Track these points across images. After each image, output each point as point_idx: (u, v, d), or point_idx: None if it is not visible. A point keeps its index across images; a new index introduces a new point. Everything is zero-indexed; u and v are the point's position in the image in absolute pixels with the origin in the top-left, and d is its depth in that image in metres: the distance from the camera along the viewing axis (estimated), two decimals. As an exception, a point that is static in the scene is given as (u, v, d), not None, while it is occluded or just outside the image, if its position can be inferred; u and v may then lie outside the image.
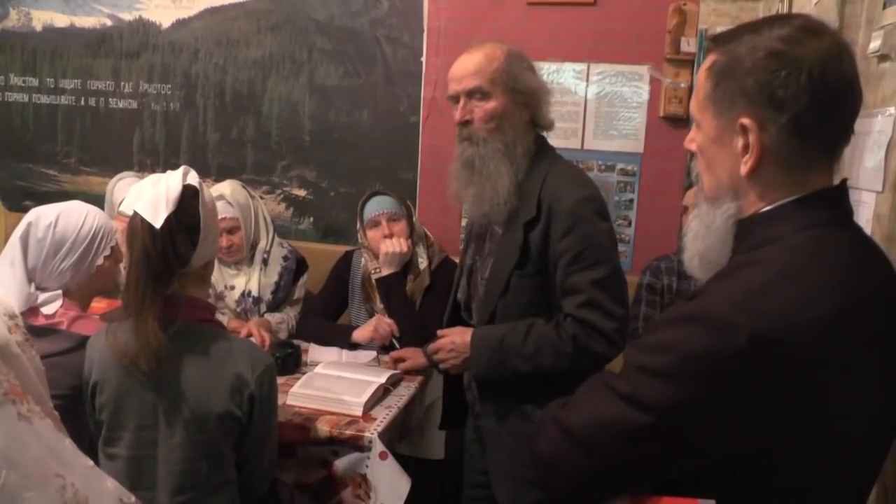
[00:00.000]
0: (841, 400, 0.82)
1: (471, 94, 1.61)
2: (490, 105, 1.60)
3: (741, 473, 0.84)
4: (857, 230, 0.91)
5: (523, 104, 1.63)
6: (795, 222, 0.87)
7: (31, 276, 1.60)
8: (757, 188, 0.89)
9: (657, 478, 0.90)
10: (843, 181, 0.90)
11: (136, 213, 1.37)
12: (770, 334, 0.78)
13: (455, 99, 1.64)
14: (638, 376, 0.86)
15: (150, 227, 1.35)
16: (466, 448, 1.94)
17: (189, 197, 1.40)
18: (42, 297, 1.60)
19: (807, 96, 0.83)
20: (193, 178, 1.44)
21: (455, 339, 1.68)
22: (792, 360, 0.79)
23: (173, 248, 1.38)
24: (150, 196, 1.37)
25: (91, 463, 0.99)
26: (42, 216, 1.61)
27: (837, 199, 0.89)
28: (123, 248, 1.48)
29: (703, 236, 0.96)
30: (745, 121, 0.86)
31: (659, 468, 0.88)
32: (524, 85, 1.62)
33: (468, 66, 1.61)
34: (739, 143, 0.88)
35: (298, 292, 2.48)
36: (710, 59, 0.92)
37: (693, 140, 0.97)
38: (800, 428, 0.81)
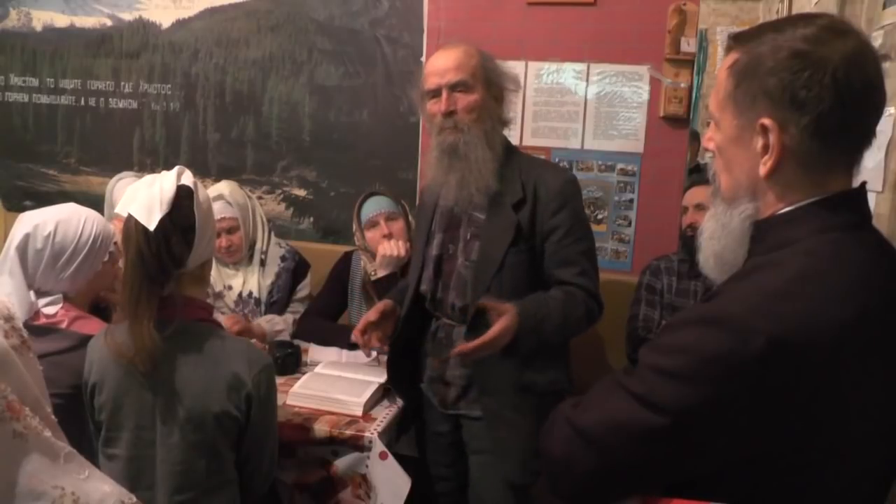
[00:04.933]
0: (857, 404, 0.82)
1: (454, 87, 1.71)
2: (472, 97, 1.71)
3: (755, 476, 0.83)
4: (876, 234, 0.90)
5: (495, 99, 1.76)
6: (814, 224, 0.86)
7: (30, 283, 1.59)
8: (776, 189, 0.89)
9: (669, 479, 0.89)
10: (863, 184, 0.89)
11: (130, 216, 1.38)
12: (788, 338, 0.77)
13: (435, 93, 1.73)
14: (653, 377, 0.85)
15: (145, 229, 1.35)
16: (430, 443, 1.94)
17: (183, 197, 1.40)
18: (42, 301, 1.60)
19: (830, 98, 0.82)
20: (188, 179, 1.44)
21: (501, 336, 1.56)
22: (809, 364, 0.78)
23: (168, 250, 1.38)
24: (144, 198, 1.37)
25: (88, 469, 0.99)
26: (40, 226, 1.59)
27: (857, 203, 0.89)
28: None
29: (719, 236, 0.95)
30: (766, 121, 0.85)
31: (672, 470, 0.88)
32: (500, 81, 1.76)
33: (449, 62, 1.72)
34: (759, 143, 0.87)
35: (301, 293, 2.47)
36: (732, 57, 0.90)
37: (712, 139, 0.95)
38: (815, 432, 0.81)
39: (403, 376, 1.91)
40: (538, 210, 1.71)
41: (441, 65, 1.73)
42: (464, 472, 1.88)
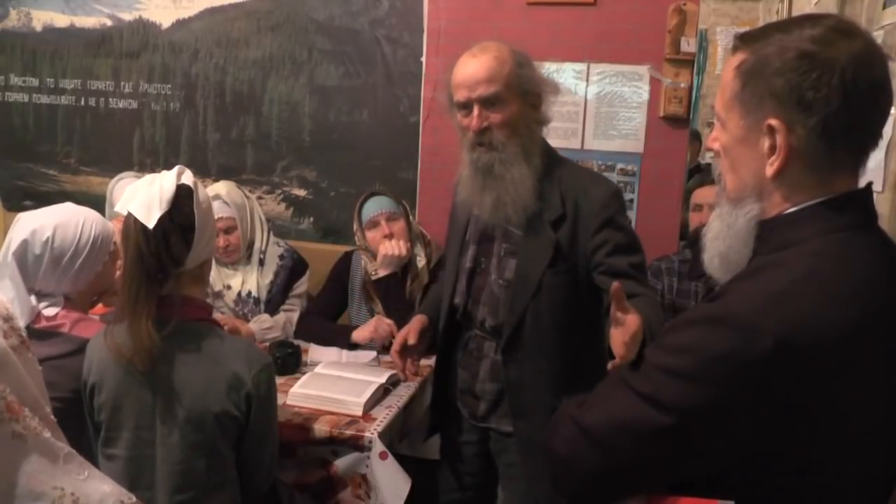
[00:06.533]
0: (860, 404, 0.82)
1: (486, 101, 1.56)
2: (507, 112, 1.57)
3: (757, 476, 0.83)
4: (882, 234, 0.90)
5: (532, 105, 1.62)
6: (820, 225, 0.86)
7: (30, 287, 1.58)
8: (782, 190, 0.89)
9: (674, 478, 0.89)
10: (869, 185, 0.89)
11: (129, 214, 1.38)
12: (794, 338, 0.77)
13: (465, 105, 1.59)
14: (658, 377, 0.85)
15: (144, 227, 1.35)
16: (456, 451, 1.87)
17: (183, 196, 1.40)
18: (43, 303, 1.59)
19: (837, 99, 0.82)
20: (188, 178, 1.44)
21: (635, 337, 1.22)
22: (815, 364, 0.78)
23: (167, 249, 1.38)
24: (143, 196, 1.37)
25: (88, 469, 0.99)
26: (38, 231, 1.56)
27: (862, 203, 0.89)
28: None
29: (724, 236, 0.95)
30: (773, 122, 0.85)
31: (677, 469, 0.88)
32: (535, 86, 1.61)
33: (480, 72, 1.56)
34: (766, 143, 0.87)
35: (298, 290, 2.46)
36: (738, 57, 0.90)
37: (717, 139, 0.95)
38: (820, 431, 0.81)
39: (440, 389, 1.85)
40: (579, 227, 1.58)
41: (471, 74, 1.57)
42: (486, 484, 1.85)
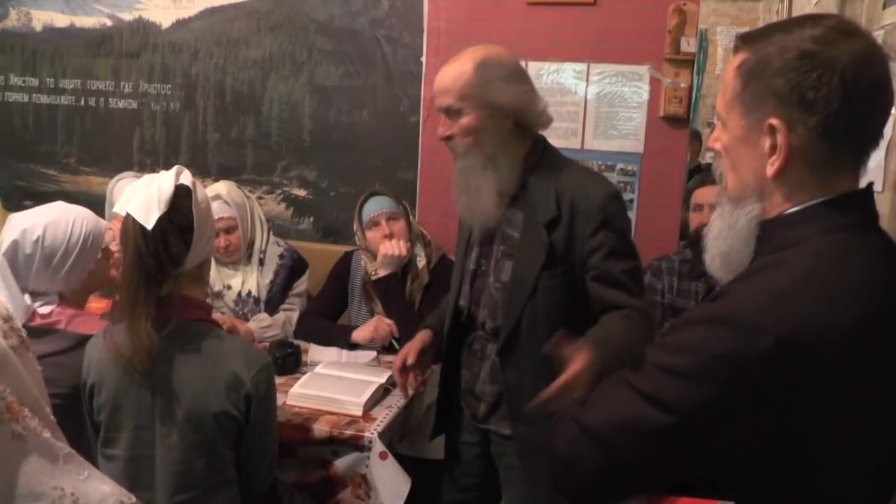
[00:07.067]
0: (863, 404, 0.82)
1: (446, 111, 1.61)
2: (464, 121, 1.59)
3: (760, 475, 0.83)
4: (883, 234, 0.90)
5: (501, 116, 1.60)
6: (821, 225, 0.86)
7: (24, 286, 1.58)
8: (783, 189, 0.89)
9: (675, 478, 0.89)
10: (870, 185, 0.89)
11: (128, 215, 1.38)
12: (795, 338, 0.77)
13: (440, 112, 1.65)
14: (660, 376, 0.85)
15: (142, 227, 1.35)
16: (459, 452, 1.87)
17: (182, 197, 1.40)
18: (37, 302, 1.59)
19: (838, 99, 0.82)
20: (187, 178, 1.44)
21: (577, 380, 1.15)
22: (816, 364, 0.78)
23: (166, 249, 1.38)
24: (142, 197, 1.37)
25: (88, 469, 1.00)
26: (28, 231, 1.56)
27: (864, 203, 0.89)
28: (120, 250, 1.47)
29: (725, 236, 0.95)
30: (774, 121, 0.85)
31: (678, 469, 0.88)
32: (497, 99, 1.58)
33: (444, 82, 1.61)
34: (767, 143, 0.87)
35: (298, 289, 2.46)
36: (739, 57, 0.90)
37: (718, 139, 0.95)
38: (821, 431, 0.81)
39: (447, 389, 1.85)
40: (576, 228, 1.57)
41: (439, 84, 1.62)
42: (488, 485, 1.84)
